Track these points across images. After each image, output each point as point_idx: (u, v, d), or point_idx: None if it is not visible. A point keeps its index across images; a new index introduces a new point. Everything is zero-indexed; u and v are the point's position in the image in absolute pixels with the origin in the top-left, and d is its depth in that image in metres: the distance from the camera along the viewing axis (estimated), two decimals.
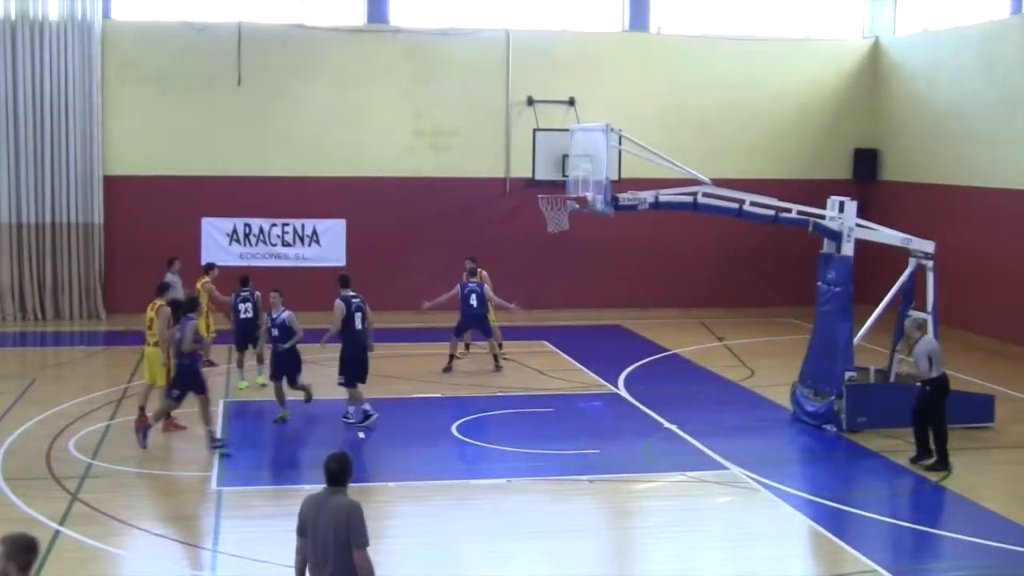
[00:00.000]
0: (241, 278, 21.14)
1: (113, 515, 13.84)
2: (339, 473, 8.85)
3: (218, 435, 16.94)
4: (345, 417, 18.18)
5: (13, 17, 27.32)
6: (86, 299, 27.87)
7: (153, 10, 28.45)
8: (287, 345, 18.27)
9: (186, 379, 16.77)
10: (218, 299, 21.38)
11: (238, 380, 20.87)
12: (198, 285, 21.73)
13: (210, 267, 22.41)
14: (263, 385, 20.14)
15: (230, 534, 13.47)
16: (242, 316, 20.61)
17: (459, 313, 22.46)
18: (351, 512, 8.68)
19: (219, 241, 28.21)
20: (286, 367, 18.41)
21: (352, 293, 18.33)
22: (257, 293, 20.93)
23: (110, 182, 28.06)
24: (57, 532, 13.11)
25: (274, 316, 18.52)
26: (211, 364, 21.48)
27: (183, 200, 28.06)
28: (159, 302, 17.75)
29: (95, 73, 27.67)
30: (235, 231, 28.40)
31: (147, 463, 16.05)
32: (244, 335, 20.66)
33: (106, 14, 28.01)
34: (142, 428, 16.71)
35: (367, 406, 18.05)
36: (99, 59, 27.72)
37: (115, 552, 12.91)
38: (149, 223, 27.91)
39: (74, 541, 12.97)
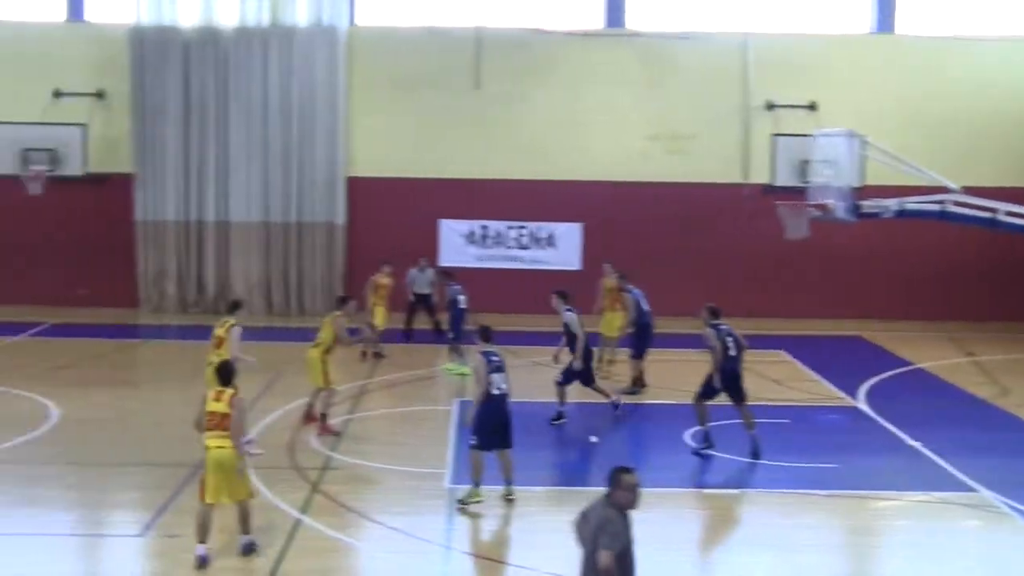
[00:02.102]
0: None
1: (351, 507, 14.16)
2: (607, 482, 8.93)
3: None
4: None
5: (266, 24, 28.44)
6: (329, 296, 28.70)
7: (395, 16, 29.13)
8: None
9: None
10: (344, 338, 18.10)
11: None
12: (326, 319, 18.44)
13: (344, 300, 19.02)
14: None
15: (462, 531, 13.57)
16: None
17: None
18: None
19: (456, 243, 28.69)
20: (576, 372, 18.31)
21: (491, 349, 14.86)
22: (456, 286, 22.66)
23: (353, 183, 28.90)
24: (298, 521, 13.46)
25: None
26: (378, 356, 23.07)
27: (422, 201, 28.65)
28: (230, 320, 16.83)
29: (340, 77, 28.57)
30: (472, 233, 28.85)
31: (384, 458, 16.36)
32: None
33: (351, 20, 28.87)
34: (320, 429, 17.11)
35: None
36: (344, 64, 28.59)
37: (352, 543, 13.19)
38: (389, 224, 28.63)
39: (313, 530, 13.33)
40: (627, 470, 8.81)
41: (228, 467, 12.25)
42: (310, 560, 12.53)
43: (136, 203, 28.74)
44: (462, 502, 14.12)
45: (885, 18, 29.18)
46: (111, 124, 28.89)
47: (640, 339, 20.91)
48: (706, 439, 16.92)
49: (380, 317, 23.63)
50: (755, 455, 16.33)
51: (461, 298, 22.68)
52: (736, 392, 16.80)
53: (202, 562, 12.10)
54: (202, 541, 12.20)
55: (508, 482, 14.43)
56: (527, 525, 13.97)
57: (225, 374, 12.83)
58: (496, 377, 14.28)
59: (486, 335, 14.83)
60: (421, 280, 25.34)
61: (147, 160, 28.63)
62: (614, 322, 22.43)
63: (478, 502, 14.11)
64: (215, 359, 16.31)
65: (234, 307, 17.56)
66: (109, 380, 21.52)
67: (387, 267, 24.09)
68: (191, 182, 28.77)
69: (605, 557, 8.50)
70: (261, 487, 14.59)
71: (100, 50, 28.87)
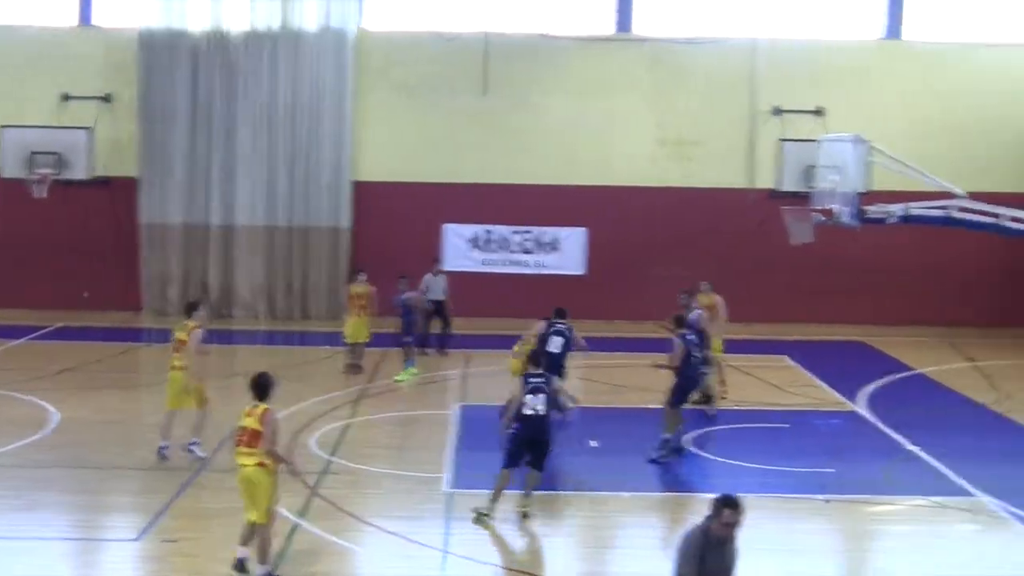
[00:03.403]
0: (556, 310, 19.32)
1: (349, 511, 14.18)
2: None
3: None
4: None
5: (276, 28, 28.50)
6: (332, 301, 28.75)
7: (403, 20, 29.18)
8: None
9: None
10: (200, 350, 16.58)
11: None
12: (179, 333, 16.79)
13: (194, 306, 17.29)
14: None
15: (459, 536, 13.58)
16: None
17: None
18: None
19: (460, 247, 28.72)
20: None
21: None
22: (412, 292, 22.39)
23: (358, 187, 28.94)
24: (296, 525, 13.49)
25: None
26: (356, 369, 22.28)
27: (427, 206, 28.69)
28: (191, 323, 16.45)
29: (348, 81, 28.62)
30: (476, 237, 28.88)
31: (383, 462, 16.38)
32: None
33: (359, 24, 28.91)
34: None
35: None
36: (352, 68, 28.64)
37: (349, 547, 13.21)
38: (394, 228, 28.67)
39: (312, 534, 13.35)
40: (731, 503, 8.47)
41: (251, 485, 11.81)
42: (308, 564, 12.55)
43: (141, 206, 28.82)
44: (477, 512, 13.99)
45: (893, 24, 29.15)
46: (118, 128, 28.95)
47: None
48: (665, 446, 16.78)
49: (350, 328, 22.50)
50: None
51: (419, 296, 22.47)
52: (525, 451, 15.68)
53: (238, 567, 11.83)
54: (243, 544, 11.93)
55: (526, 496, 14.28)
56: (525, 529, 13.97)
57: (260, 388, 12.06)
58: (530, 399, 14.21)
59: (535, 359, 14.97)
60: (436, 286, 24.77)
61: (153, 163, 28.70)
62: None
63: (487, 516, 13.90)
64: (177, 363, 16.34)
65: (191, 309, 16.96)
66: (111, 384, 21.56)
67: (362, 275, 22.86)
68: (196, 185, 28.82)
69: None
70: None
71: (108, 54, 28.96)
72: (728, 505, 8.43)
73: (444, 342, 24.71)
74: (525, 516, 14.09)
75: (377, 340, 22.55)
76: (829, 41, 29.00)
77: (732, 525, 8.42)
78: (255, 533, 11.88)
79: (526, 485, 14.27)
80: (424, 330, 24.33)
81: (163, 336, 26.85)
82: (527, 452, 14.24)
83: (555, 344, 17.75)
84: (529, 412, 14.19)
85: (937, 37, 29.04)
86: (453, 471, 16.00)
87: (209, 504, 14.42)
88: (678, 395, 17.07)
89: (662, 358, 17.96)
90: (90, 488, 15.19)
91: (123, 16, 29.03)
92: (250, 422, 11.86)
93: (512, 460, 14.21)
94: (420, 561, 12.89)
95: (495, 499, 13.97)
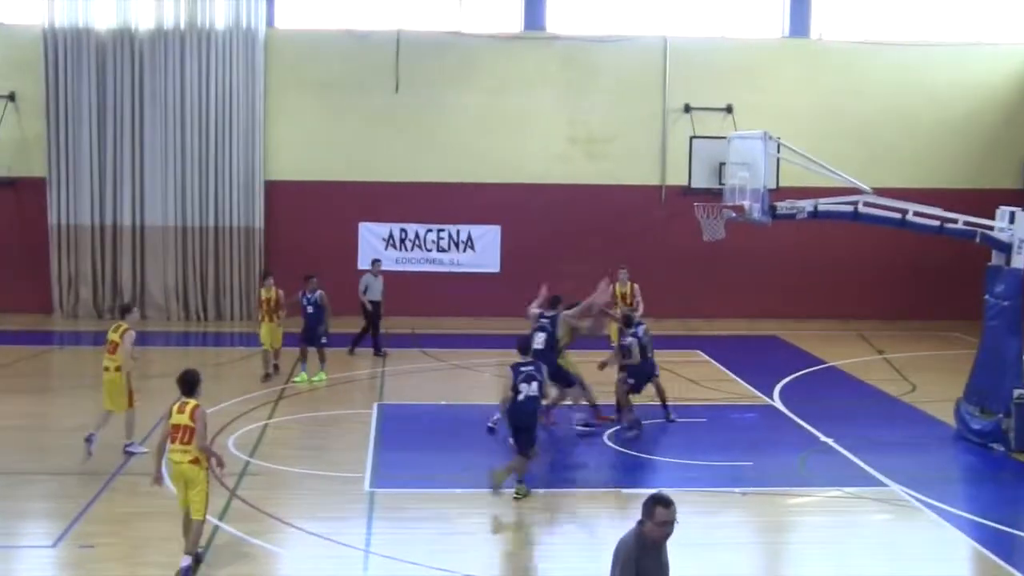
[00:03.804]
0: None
1: (269, 512, 14.09)
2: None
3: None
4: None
5: (182, 26, 28.16)
6: (246, 301, 28.50)
7: (314, 18, 29.00)
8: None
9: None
10: (130, 353, 16.64)
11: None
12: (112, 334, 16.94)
13: (127, 308, 17.69)
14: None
15: (381, 535, 13.58)
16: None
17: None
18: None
19: (375, 246, 28.64)
20: None
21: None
22: (320, 292, 21.76)
23: (271, 187, 28.72)
24: (216, 527, 13.37)
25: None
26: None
27: (341, 205, 28.57)
28: (124, 325, 16.70)
29: (258, 80, 28.37)
30: (391, 236, 28.82)
31: (303, 463, 16.30)
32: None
33: (269, 22, 28.70)
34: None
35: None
36: (262, 66, 28.41)
37: (271, 549, 13.12)
38: (308, 227, 28.51)
39: (232, 537, 13.25)
40: (664, 501, 8.10)
41: (188, 482, 12.10)
42: (230, 567, 12.45)
43: (50, 207, 28.30)
44: (516, 492, 14.83)
45: (799, 23, 29.61)
46: (23, 127, 28.41)
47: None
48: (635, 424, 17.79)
49: (263, 334, 21.97)
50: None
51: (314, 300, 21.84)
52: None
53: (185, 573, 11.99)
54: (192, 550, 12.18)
55: (518, 481, 14.97)
56: (446, 527, 14.01)
57: (188, 384, 12.32)
58: (524, 386, 14.97)
59: (523, 347, 15.57)
60: (375, 286, 24.34)
61: (61, 163, 28.21)
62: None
63: (523, 495, 14.82)
64: (110, 364, 16.56)
65: (125, 311, 17.38)
66: (20, 388, 21.17)
67: (269, 279, 22.27)
68: (106, 186, 28.38)
69: None
70: (178, 494, 14.46)
71: (11, 51, 28.40)
72: (661, 503, 8.08)
73: (378, 343, 24.24)
74: (517, 497, 14.80)
75: (292, 341, 22.32)
76: (737, 39, 29.39)
77: (667, 524, 8.08)
78: (191, 528, 12.14)
79: (515, 469, 14.96)
80: (373, 331, 24.13)
81: (75, 339, 26.59)
82: (517, 435, 15.15)
83: (538, 340, 17.51)
84: (521, 397, 14.95)
85: (842, 35, 29.58)
86: (373, 470, 15.95)
87: (124, 508, 14.24)
88: (633, 388, 18.39)
89: (606, 354, 18.97)
90: (2, 495, 14.88)
91: (27, 13, 28.46)
92: (182, 419, 12.06)
93: (514, 442, 15.28)
94: (343, 561, 12.85)
95: (520, 480, 14.94)
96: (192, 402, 12.18)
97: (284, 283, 23.15)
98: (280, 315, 21.95)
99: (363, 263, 28.43)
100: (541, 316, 18.36)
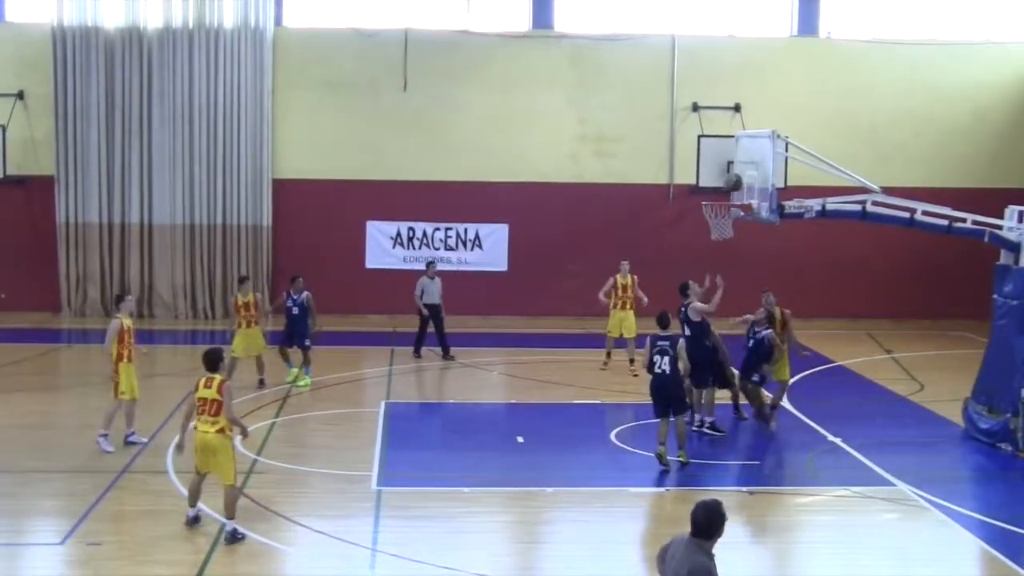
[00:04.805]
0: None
1: (276, 511, 14.10)
2: (703, 525, 8.07)
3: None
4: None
5: (191, 25, 28.20)
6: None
7: (323, 17, 29.02)
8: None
9: None
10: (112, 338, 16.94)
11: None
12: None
13: (120, 298, 17.80)
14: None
15: (388, 533, 13.58)
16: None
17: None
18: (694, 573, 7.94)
19: (383, 244, 28.68)
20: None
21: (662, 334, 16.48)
22: (306, 293, 21.32)
23: (278, 185, 28.72)
24: (223, 525, 13.37)
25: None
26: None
27: (349, 203, 28.57)
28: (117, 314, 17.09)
29: (266, 79, 28.38)
30: (399, 234, 28.82)
31: (310, 461, 16.31)
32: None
33: (278, 22, 28.71)
34: None
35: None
36: (270, 65, 28.41)
37: (278, 547, 13.13)
38: (315, 226, 28.52)
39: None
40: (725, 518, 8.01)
41: (211, 450, 13.09)
42: (236, 565, 12.48)
43: (58, 206, 28.34)
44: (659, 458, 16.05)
45: (808, 22, 29.56)
46: (32, 126, 28.44)
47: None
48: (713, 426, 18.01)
49: (238, 342, 20.68)
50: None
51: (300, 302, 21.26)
52: (670, 405, 16.38)
53: (193, 521, 13.32)
54: (192, 505, 13.41)
55: (680, 447, 16.27)
56: (453, 526, 14.02)
57: (212, 361, 13.43)
58: (657, 359, 16.28)
59: (663, 322, 16.59)
60: (432, 289, 23.67)
61: (69, 162, 28.24)
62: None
63: (664, 465, 16.02)
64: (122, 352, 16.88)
65: (118, 300, 17.72)
66: (30, 385, 21.18)
67: (246, 283, 21.43)
68: (114, 184, 28.42)
69: None
70: (186, 493, 14.47)
71: (21, 50, 28.42)
72: (725, 519, 8.05)
73: (446, 345, 23.78)
74: (683, 464, 16.13)
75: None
76: (746, 38, 29.34)
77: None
78: (224, 494, 13.10)
79: (677, 436, 16.29)
80: (438, 333, 23.67)
81: (83, 337, 26.64)
82: (662, 405, 16.29)
83: (664, 364, 16.47)
84: (658, 371, 16.32)
85: (851, 35, 29.51)
86: (381, 469, 15.96)
87: (131, 506, 14.30)
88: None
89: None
90: (11, 492, 14.90)
91: (36, 11, 28.51)
92: (209, 393, 13.14)
93: (657, 412, 16.39)
94: (349, 560, 12.86)
95: (662, 442, 16.16)
96: (218, 377, 13.27)
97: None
98: (261, 320, 21.15)
99: (371, 262, 28.54)
100: (658, 338, 16.71)
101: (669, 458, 16.12)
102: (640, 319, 22.23)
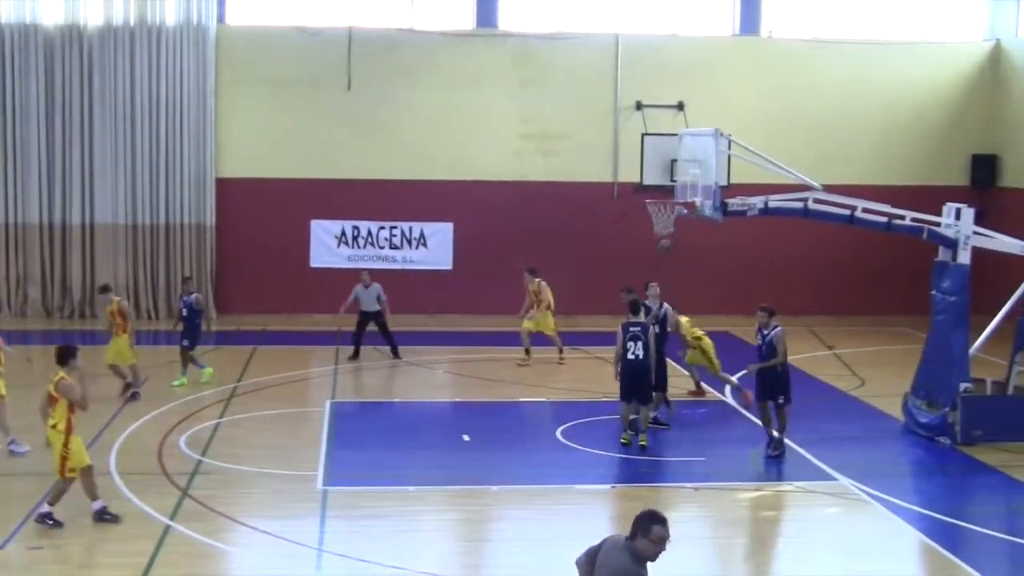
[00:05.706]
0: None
1: (221, 511, 14.03)
2: (633, 524, 8.04)
3: None
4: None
5: (132, 23, 27.93)
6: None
7: (266, 15, 28.85)
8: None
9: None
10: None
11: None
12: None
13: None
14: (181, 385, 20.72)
15: (335, 533, 13.56)
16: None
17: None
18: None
19: (328, 243, 28.58)
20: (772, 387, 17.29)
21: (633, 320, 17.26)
22: (196, 295, 21.39)
23: (222, 184, 28.51)
24: (168, 527, 13.31)
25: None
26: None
27: (293, 202, 28.43)
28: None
29: (209, 77, 28.16)
30: (343, 233, 28.73)
31: (255, 461, 16.23)
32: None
33: (220, 19, 28.50)
34: None
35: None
36: (213, 63, 28.19)
37: (223, 548, 13.09)
38: (259, 225, 28.36)
39: (183, 536, 13.18)
40: (661, 520, 7.97)
41: (50, 444, 13.66)
42: (181, 567, 12.41)
43: None
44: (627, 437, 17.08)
45: (750, 21, 29.79)
46: None
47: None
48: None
49: (110, 350, 20.18)
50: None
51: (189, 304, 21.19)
52: (637, 392, 17.08)
53: (99, 514, 13.52)
54: (94, 497, 13.65)
55: (643, 432, 17.06)
56: (399, 525, 14.03)
57: (58, 356, 13.74)
58: (631, 344, 16.87)
59: (634, 307, 17.44)
60: (367, 297, 23.44)
61: (8, 162, 27.87)
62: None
63: (625, 443, 17.07)
64: None
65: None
66: None
67: (108, 293, 20.83)
68: (55, 183, 28.07)
69: None
70: (129, 494, 14.41)
71: None
72: (658, 521, 7.94)
73: (394, 346, 23.61)
74: (643, 447, 16.93)
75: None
76: (689, 37, 29.50)
77: (662, 541, 7.95)
78: (54, 483, 13.53)
79: (642, 420, 17.09)
80: (357, 345, 23.51)
81: (24, 339, 26.21)
82: (630, 391, 16.96)
83: (638, 348, 17.09)
84: (631, 357, 16.88)
85: (792, 33, 29.79)
86: (326, 468, 15.93)
87: (72, 509, 14.11)
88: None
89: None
90: None
91: None
92: (50, 389, 13.52)
93: (625, 396, 17.09)
94: (296, 560, 12.82)
95: (625, 427, 17.18)
96: (60, 373, 13.52)
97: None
98: (127, 328, 20.17)
99: (316, 261, 28.43)
100: (630, 324, 17.33)
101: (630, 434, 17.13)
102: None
